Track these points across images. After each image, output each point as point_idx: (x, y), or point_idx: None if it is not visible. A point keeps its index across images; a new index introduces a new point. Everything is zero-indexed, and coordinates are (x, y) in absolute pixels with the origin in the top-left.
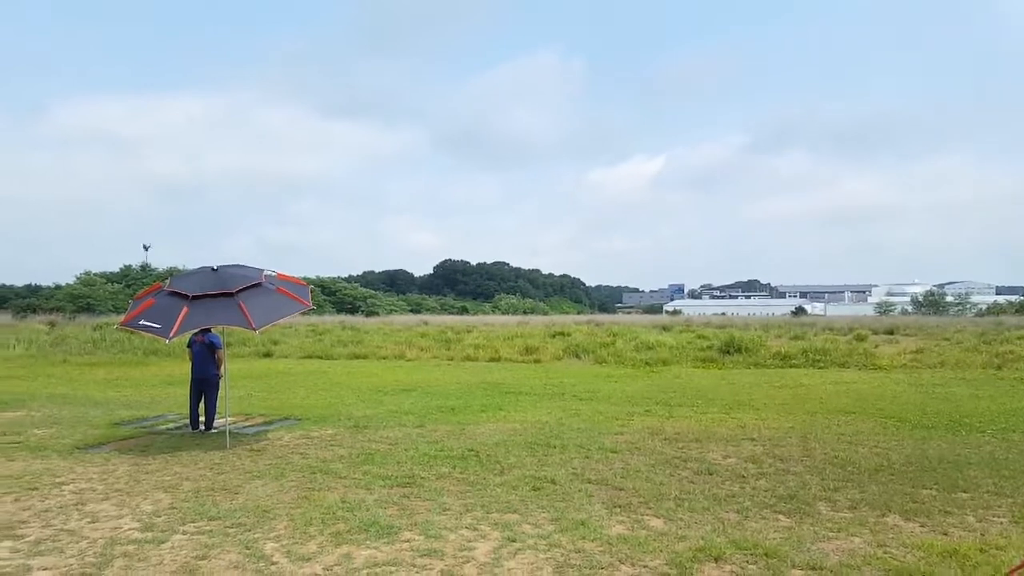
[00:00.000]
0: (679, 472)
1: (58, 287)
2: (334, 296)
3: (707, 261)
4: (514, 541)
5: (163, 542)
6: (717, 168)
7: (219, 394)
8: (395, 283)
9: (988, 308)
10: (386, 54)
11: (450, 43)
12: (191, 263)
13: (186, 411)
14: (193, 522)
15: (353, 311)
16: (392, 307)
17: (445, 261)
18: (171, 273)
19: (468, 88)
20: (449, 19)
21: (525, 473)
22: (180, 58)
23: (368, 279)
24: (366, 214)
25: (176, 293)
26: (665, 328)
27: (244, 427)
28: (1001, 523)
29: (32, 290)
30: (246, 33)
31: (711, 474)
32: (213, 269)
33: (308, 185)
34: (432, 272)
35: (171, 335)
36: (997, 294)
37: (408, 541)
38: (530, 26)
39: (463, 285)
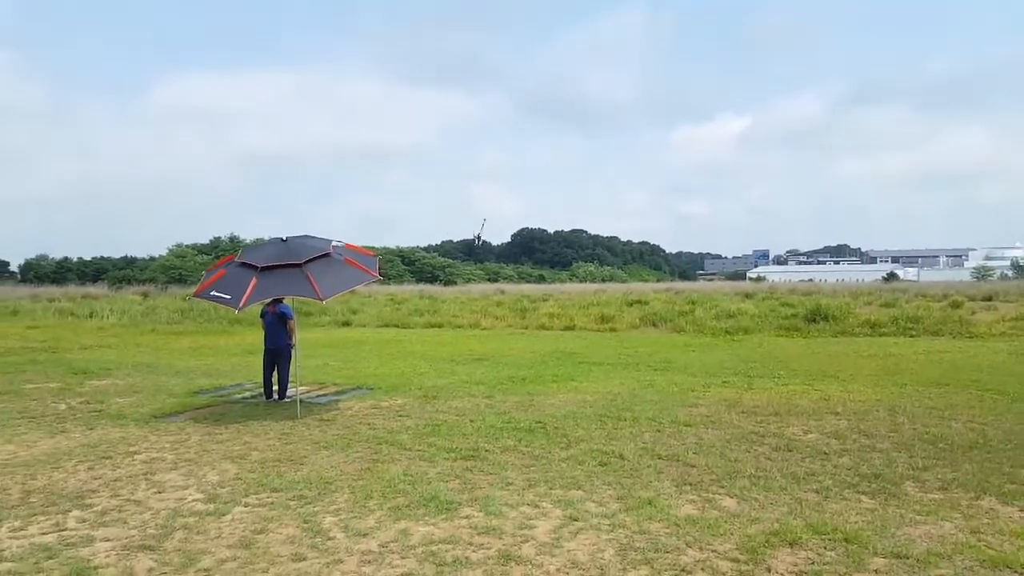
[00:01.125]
0: (755, 448)
1: (152, 259)
2: (413, 266)
3: (794, 225)
4: (576, 520)
5: (224, 514)
6: (806, 126)
7: (291, 364)
8: (473, 252)
9: None
10: (468, 23)
11: (532, 5)
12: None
13: (262, 380)
14: (256, 494)
15: (432, 280)
16: (470, 276)
17: (523, 229)
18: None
19: (549, 52)
20: None
21: (592, 447)
22: (267, 34)
23: (447, 248)
24: (446, 183)
25: (246, 264)
26: (747, 295)
27: (316, 396)
28: None
29: (128, 262)
30: (329, 8)
31: (790, 450)
32: (283, 240)
33: (394, 155)
34: (510, 240)
35: (241, 305)
36: None
37: (467, 518)
38: None
39: (540, 253)
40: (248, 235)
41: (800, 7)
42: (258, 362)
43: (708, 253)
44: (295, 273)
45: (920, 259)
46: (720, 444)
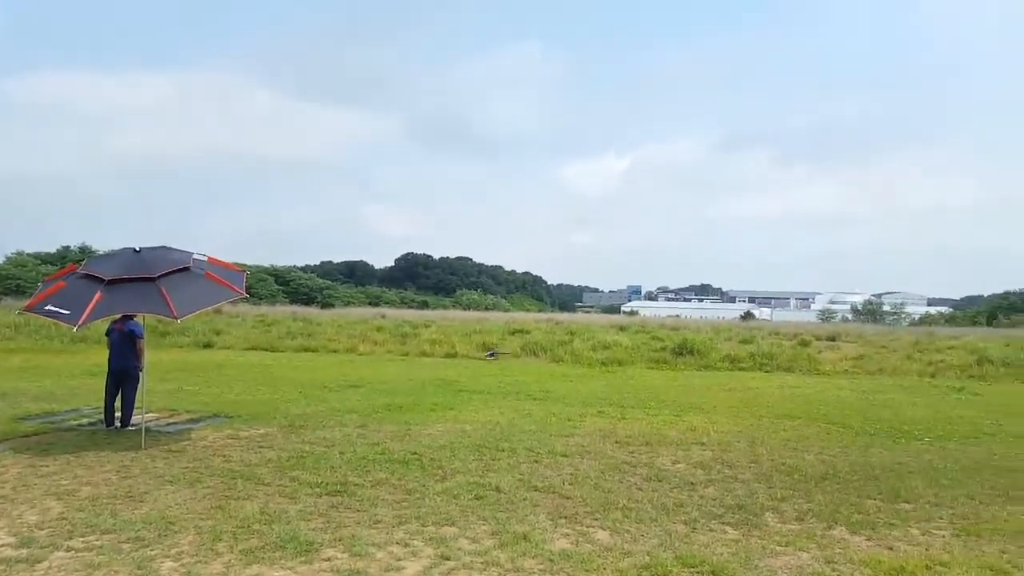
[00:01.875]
0: (628, 478)
1: None
2: (288, 286)
3: (665, 264)
4: (448, 559)
5: (39, 561)
6: (682, 168)
7: (139, 388)
8: (354, 274)
9: (920, 318)
10: (365, 42)
11: (427, 32)
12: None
13: (103, 405)
14: (82, 536)
15: (308, 302)
16: (350, 299)
17: (407, 254)
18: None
19: (444, 77)
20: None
21: (469, 480)
22: (147, 35)
23: (326, 269)
24: (331, 202)
25: (90, 276)
26: (622, 328)
27: (165, 424)
28: (943, 536)
29: None
30: (217, 14)
31: (660, 481)
32: (135, 251)
33: (277, 170)
34: (393, 264)
35: (80, 322)
36: (928, 305)
37: (329, 560)
38: (507, 19)
39: (425, 279)
40: (104, 246)
41: (682, 58)
42: (99, 384)
43: (587, 286)
44: (147, 288)
45: (773, 300)
46: (595, 475)
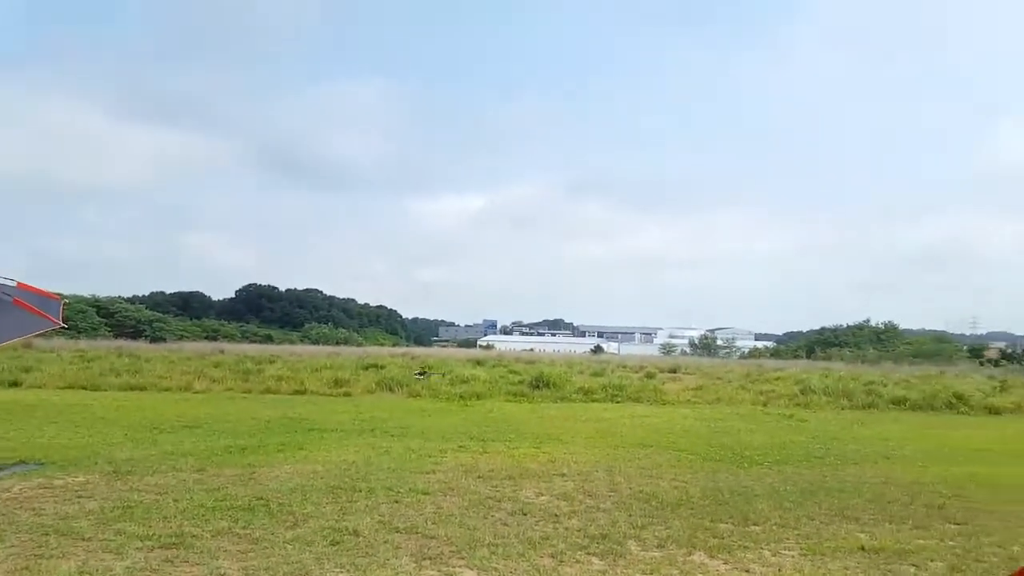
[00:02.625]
0: (493, 514)
1: None
2: (112, 318)
3: (519, 299)
4: None
5: None
6: (534, 209)
7: None
8: (189, 306)
9: (749, 352)
10: (194, 61)
11: (268, 57)
12: None
13: None
14: None
15: (135, 336)
16: (183, 332)
17: (249, 285)
18: None
19: (286, 105)
20: (268, 32)
21: (323, 524)
22: None
23: (157, 300)
24: (159, 230)
25: None
26: (479, 362)
27: None
28: (792, 556)
29: None
30: (26, 26)
31: (524, 514)
32: None
33: (93, 193)
34: (234, 296)
35: None
36: (755, 340)
37: None
38: (354, 50)
39: (269, 312)
40: None
41: (533, 105)
42: None
43: (443, 320)
44: None
45: (620, 335)
46: (459, 512)
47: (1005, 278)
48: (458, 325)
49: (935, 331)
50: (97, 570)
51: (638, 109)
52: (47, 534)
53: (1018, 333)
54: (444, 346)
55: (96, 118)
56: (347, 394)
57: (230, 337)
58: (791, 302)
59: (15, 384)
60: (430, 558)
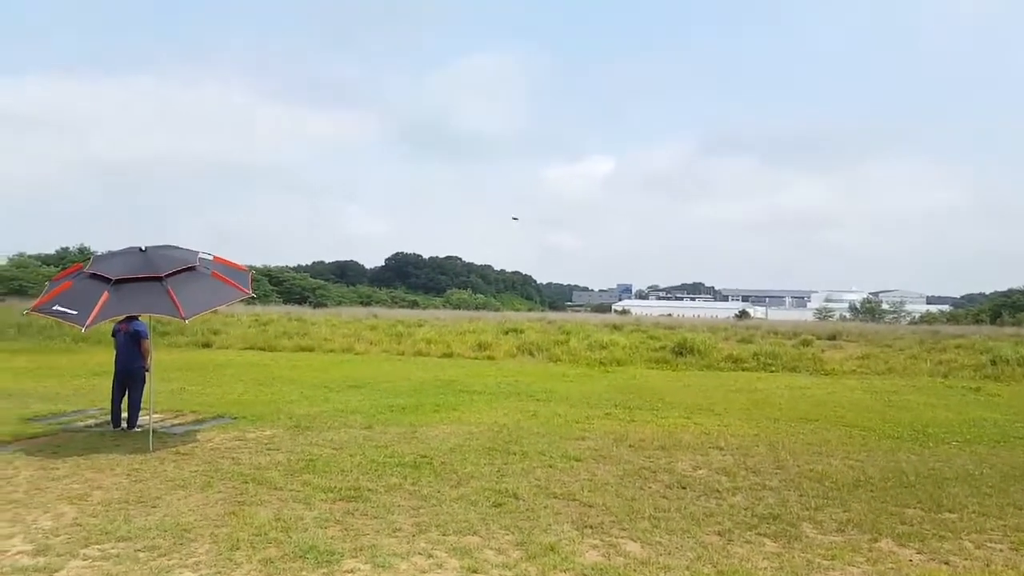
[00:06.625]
0: (649, 485)
1: None
2: (281, 286)
3: (655, 262)
4: (475, 572)
5: (56, 570)
6: (667, 171)
7: (145, 389)
8: (345, 274)
9: (921, 317)
10: (344, 46)
11: (410, 36)
12: None
13: (109, 406)
14: (98, 543)
15: (301, 302)
16: (341, 298)
17: (397, 254)
18: None
19: (427, 81)
20: (409, 12)
21: (484, 485)
22: (122, 39)
23: (318, 269)
24: (318, 203)
25: (97, 276)
26: (616, 327)
27: (172, 426)
28: (1001, 550)
29: None
30: (198, 17)
31: (683, 488)
32: (141, 250)
33: (261, 173)
34: (383, 264)
35: (88, 323)
36: (928, 303)
37: (352, 572)
38: (489, 23)
39: (414, 278)
40: (100, 247)
41: (658, 59)
42: (106, 386)
43: (576, 285)
44: (154, 288)
45: (767, 299)
46: (614, 481)
47: None
48: (592, 290)
49: None
50: (291, 518)
51: (777, 60)
52: (246, 482)
53: None
54: (578, 311)
55: (262, 104)
56: (490, 357)
57: (382, 302)
58: (969, 261)
59: (207, 345)
60: (591, 526)
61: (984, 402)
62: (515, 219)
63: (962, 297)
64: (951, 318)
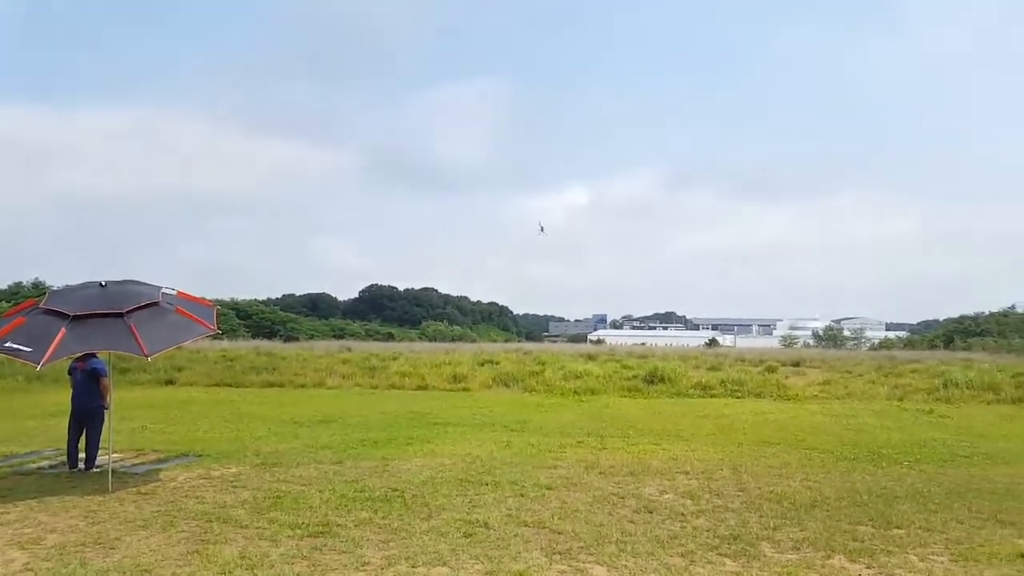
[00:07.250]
0: (618, 511)
1: None
2: (249, 320)
3: (629, 292)
4: None
5: None
6: (641, 201)
7: (104, 427)
8: (317, 307)
9: (880, 343)
10: (316, 77)
11: (383, 66)
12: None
13: (65, 446)
14: None
15: (271, 336)
16: (313, 332)
17: (371, 286)
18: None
19: (400, 111)
20: (376, 43)
21: (455, 516)
22: (83, 67)
23: (288, 302)
24: (288, 236)
25: (53, 311)
26: (590, 357)
27: (133, 465)
28: (942, 562)
29: None
30: (155, 44)
31: (650, 512)
32: (101, 285)
33: (227, 204)
34: (357, 296)
35: (43, 360)
36: (886, 330)
37: None
38: (461, 55)
39: (389, 311)
40: (57, 282)
41: (627, 93)
42: (60, 425)
43: (552, 315)
44: (115, 324)
45: (736, 327)
46: (584, 508)
47: None
48: (567, 320)
49: None
50: (256, 555)
51: (744, 95)
52: (210, 521)
53: None
54: (554, 341)
55: (228, 133)
56: (466, 389)
57: (355, 335)
58: (925, 289)
59: (170, 382)
60: (560, 553)
61: (935, 423)
62: (542, 229)
63: (918, 323)
64: (908, 344)
